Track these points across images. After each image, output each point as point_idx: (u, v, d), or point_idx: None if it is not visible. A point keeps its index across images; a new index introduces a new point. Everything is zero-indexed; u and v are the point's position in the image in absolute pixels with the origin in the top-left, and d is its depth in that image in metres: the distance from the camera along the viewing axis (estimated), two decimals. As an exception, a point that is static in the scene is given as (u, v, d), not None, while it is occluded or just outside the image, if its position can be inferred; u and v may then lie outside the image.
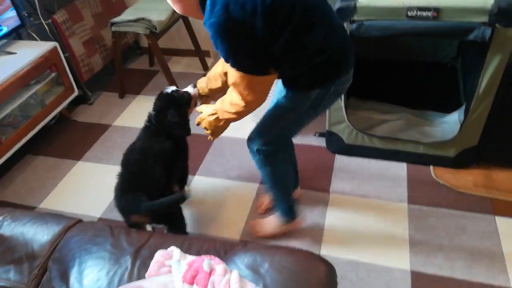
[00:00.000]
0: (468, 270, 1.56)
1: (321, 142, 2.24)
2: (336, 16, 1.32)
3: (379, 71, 2.66)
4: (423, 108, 2.25)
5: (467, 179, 1.92)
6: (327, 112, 2.04)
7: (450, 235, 1.70)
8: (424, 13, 1.59)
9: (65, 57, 2.49)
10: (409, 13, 1.60)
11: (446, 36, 1.70)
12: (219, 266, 1.02)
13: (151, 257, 1.14)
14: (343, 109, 1.97)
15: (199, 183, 2.09)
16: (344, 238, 1.74)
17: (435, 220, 1.76)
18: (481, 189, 1.86)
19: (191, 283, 0.99)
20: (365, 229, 1.76)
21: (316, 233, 1.77)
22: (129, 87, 2.88)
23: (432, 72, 2.62)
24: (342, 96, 1.93)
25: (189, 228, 1.85)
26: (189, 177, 2.13)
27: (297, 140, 2.26)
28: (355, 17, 1.66)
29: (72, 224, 1.35)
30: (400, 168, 2.02)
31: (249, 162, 2.17)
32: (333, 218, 1.83)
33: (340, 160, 2.12)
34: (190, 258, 1.09)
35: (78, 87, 2.63)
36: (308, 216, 1.85)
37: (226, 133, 2.38)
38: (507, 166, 1.95)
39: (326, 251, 1.69)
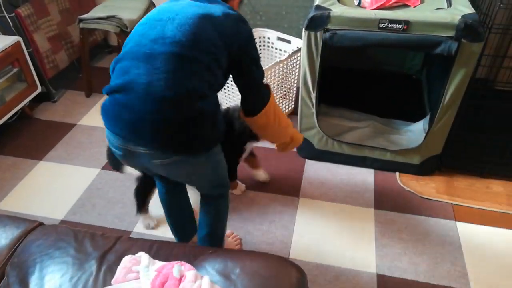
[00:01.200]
0: (431, 273, 1.61)
1: (292, 147, 2.25)
2: None
3: (349, 80, 2.73)
4: (390, 117, 2.32)
5: (430, 186, 1.99)
6: (298, 118, 2.06)
7: (414, 239, 1.75)
8: (395, 26, 1.64)
9: (29, 53, 2.39)
10: (381, 25, 1.65)
11: (415, 49, 1.76)
12: (189, 272, 0.99)
13: (117, 262, 1.11)
14: (314, 115, 1.99)
15: (168, 186, 2.05)
16: (313, 242, 1.75)
17: (400, 225, 1.82)
18: (444, 196, 1.94)
19: (160, 290, 0.96)
20: (334, 234, 1.79)
21: (285, 237, 1.77)
22: (96, 85, 2.79)
23: (398, 82, 2.71)
24: (313, 104, 1.96)
25: (157, 232, 1.81)
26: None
27: (268, 144, 2.28)
28: (329, 26, 1.69)
29: (33, 228, 1.28)
30: (368, 174, 2.07)
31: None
32: (302, 222, 1.84)
33: (310, 165, 2.14)
34: (159, 264, 1.06)
35: (41, 84, 2.53)
36: (277, 220, 1.85)
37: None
38: (468, 174, 2.04)
39: (295, 255, 1.70)
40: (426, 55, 2.60)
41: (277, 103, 2.34)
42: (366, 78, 2.74)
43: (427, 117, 2.10)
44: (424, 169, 2.04)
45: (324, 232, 1.80)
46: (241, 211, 1.90)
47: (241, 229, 1.82)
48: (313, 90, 1.92)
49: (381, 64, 2.77)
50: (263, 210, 1.90)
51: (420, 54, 2.64)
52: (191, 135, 1.14)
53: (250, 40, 1.24)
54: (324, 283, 1.59)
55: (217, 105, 1.26)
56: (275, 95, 2.32)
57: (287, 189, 2.01)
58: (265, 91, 1.34)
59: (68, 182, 2.08)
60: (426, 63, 2.62)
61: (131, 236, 1.76)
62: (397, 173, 2.07)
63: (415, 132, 2.17)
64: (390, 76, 2.74)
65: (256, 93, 1.32)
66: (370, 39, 1.67)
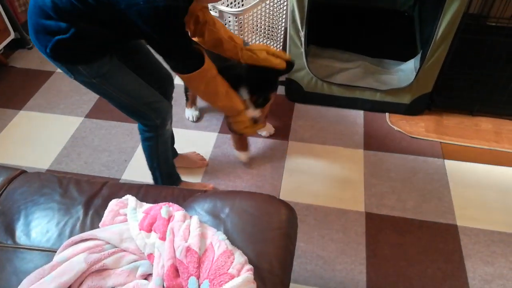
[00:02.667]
0: (419, 210, 1.65)
1: (280, 90, 2.19)
2: None
3: (339, 18, 2.62)
4: (381, 57, 2.26)
5: (420, 125, 1.98)
6: (287, 58, 1.99)
7: (403, 178, 1.77)
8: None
9: (-3, -5, 2.22)
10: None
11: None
12: (177, 212, 0.98)
13: (104, 206, 1.08)
14: (303, 55, 1.92)
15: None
16: (302, 184, 1.76)
17: (389, 165, 1.82)
18: (433, 135, 1.93)
19: (149, 231, 0.95)
20: (323, 175, 1.79)
21: (275, 180, 1.77)
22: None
23: (390, 20, 2.61)
24: (302, 43, 1.88)
25: (147, 179, 1.79)
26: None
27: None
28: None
29: (15, 175, 1.24)
30: (357, 116, 2.05)
31: (205, 111, 2.11)
32: (292, 165, 1.84)
33: (299, 108, 2.10)
34: (146, 206, 1.04)
35: (14, 30, 2.38)
36: (267, 163, 1.84)
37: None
38: (457, 112, 2.03)
39: (285, 197, 1.71)
40: (419, -10, 2.49)
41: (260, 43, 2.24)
42: (356, 16, 2.63)
43: (419, 56, 2.04)
44: (414, 108, 2.02)
45: (313, 173, 1.80)
46: (230, 155, 1.88)
47: (230, 173, 1.81)
48: (302, 28, 1.83)
49: (372, 1, 2.65)
50: (252, 154, 1.89)
51: (413, -11, 2.53)
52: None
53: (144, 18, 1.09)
54: (314, 223, 1.61)
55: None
56: (261, 35, 2.22)
57: (276, 132, 1.98)
58: (189, 61, 1.25)
59: (51, 131, 2.01)
60: (419, -1, 2.52)
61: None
62: (387, 114, 2.05)
63: (406, 71, 2.12)
64: (382, 13, 2.64)
65: (168, 60, 1.27)
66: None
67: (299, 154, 1.88)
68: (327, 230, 1.59)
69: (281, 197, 1.71)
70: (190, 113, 2.05)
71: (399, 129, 1.97)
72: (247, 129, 1.51)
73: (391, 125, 1.99)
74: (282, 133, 1.98)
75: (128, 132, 2.00)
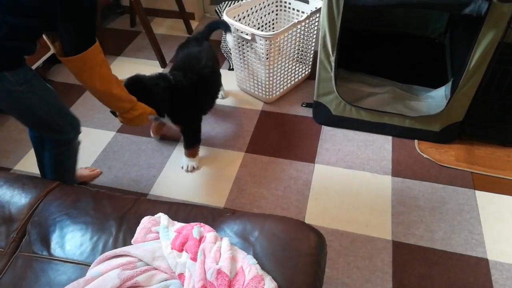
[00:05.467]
0: (448, 241, 1.61)
1: (308, 112, 2.21)
2: None
3: (369, 43, 2.63)
4: (411, 82, 2.25)
5: (450, 154, 1.95)
6: (316, 82, 2.01)
7: (431, 207, 1.73)
8: (423, -17, 1.55)
9: (40, 12, 2.33)
10: (407, -18, 1.56)
11: (443, 9, 1.67)
12: (209, 233, 0.99)
13: (137, 223, 1.11)
14: (333, 79, 1.94)
15: (182, 150, 2.04)
16: (328, 208, 1.75)
17: (417, 193, 1.79)
18: (463, 164, 1.90)
19: (180, 251, 0.97)
20: (349, 200, 1.78)
21: (300, 202, 1.77)
22: (108, 47, 2.75)
23: (420, 46, 2.60)
24: (332, 67, 1.89)
25: (173, 195, 1.82)
26: (172, 143, 2.08)
27: (283, 109, 2.24)
28: (352, -17, 1.60)
29: (52, 188, 1.29)
30: (385, 142, 2.03)
31: (234, 130, 2.14)
32: (318, 188, 1.83)
33: (327, 131, 2.10)
34: (178, 225, 1.06)
35: (54, 45, 2.48)
36: (292, 185, 1.84)
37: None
38: (489, 142, 1.99)
39: (310, 220, 1.70)
40: (451, 17, 2.48)
41: (292, 67, 2.27)
42: (386, 41, 2.63)
43: (449, 83, 2.03)
44: (444, 136, 1.99)
45: (340, 198, 1.78)
46: (256, 176, 1.89)
47: (256, 193, 1.82)
48: (333, 53, 1.85)
49: (402, 27, 2.65)
50: (278, 175, 1.89)
51: (445, 15, 2.52)
52: None
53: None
54: (339, 249, 1.60)
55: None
56: (291, 58, 2.25)
57: (303, 155, 1.98)
58: (91, 36, 1.26)
59: (84, 144, 2.06)
60: (451, 26, 2.50)
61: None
62: (416, 141, 2.02)
63: (436, 99, 2.10)
64: (412, 40, 2.63)
65: (73, 36, 1.23)
66: (396, -2, 1.58)
67: (325, 177, 1.88)
68: (352, 257, 1.57)
69: (306, 221, 1.70)
70: (152, 135, 2.09)
71: (428, 157, 1.94)
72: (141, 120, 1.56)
73: (420, 153, 1.96)
74: (308, 155, 1.98)
75: (157, 148, 2.05)
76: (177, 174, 1.92)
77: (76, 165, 1.65)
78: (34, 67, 2.33)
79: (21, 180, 1.32)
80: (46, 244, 1.12)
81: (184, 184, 1.88)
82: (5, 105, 1.34)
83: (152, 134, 2.08)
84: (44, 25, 1.25)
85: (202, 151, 2.02)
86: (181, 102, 1.71)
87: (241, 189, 1.84)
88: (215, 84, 2.02)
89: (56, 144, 1.52)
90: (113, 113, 1.58)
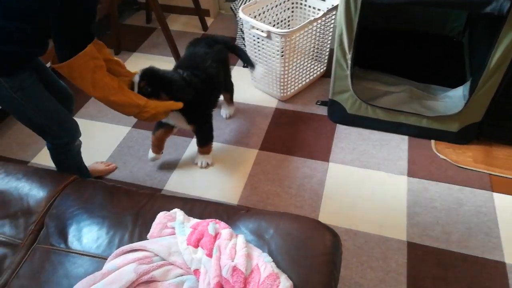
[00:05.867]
0: (464, 243, 1.58)
1: (323, 110, 2.20)
2: None
3: (385, 41, 2.60)
4: (428, 82, 2.22)
5: (467, 155, 1.92)
6: (331, 80, 1.99)
7: (448, 209, 1.70)
8: (443, -19, 1.52)
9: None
10: (428, -21, 1.53)
11: (463, 7, 1.64)
12: (224, 230, 0.99)
13: (152, 218, 1.12)
14: (349, 78, 1.92)
15: (196, 146, 2.04)
16: (342, 207, 1.73)
17: (433, 194, 1.77)
18: (481, 165, 1.86)
19: (196, 246, 0.97)
20: (364, 200, 1.76)
21: (314, 201, 1.76)
22: (124, 43, 2.77)
23: (437, 45, 2.56)
24: (348, 65, 1.88)
25: (187, 191, 1.83)
26: (186, 140, 2.09)
27: (298, 107, 2.23)
28: (371, -20, 1.58)
29: (69, 182, 1.30)
30: (401, 141, 2.01)
31: (248, 127, 2.13)
32: (332, 187, 1.82)
33: (341, 130, 2.09)
34: (194, 221, 1.06)
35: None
36: (306, 184, 1.83)
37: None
38: (508, 143, 1.95)
39: (324, 219, 1.69)
40: (470, 15, 2.44)
41: (307, 65, 2.26)
42: (403, 40, 2.60)
43: (468, 83, 1.99)
44: (462, 137, 1.95)
45: (354, 198, 1.77)
46: (269, 173, 1.89)
47: (269, 191, 1.81)
48: (349, 51, 1.83)
49: (420, 25, 2.61)
50: (292, 173, 1.89)
51: (464, 14, 2.48)
52: None
53: None
54: (353, 248, 1.58)
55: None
56: (307, 56, 2.24)
57: (317, 153, 1.97)
58: (65, 46, 1.22)
59: (100, 139, 2.10)
60: (470, 24, 2.46)
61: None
62: (433, 141, 2.00)
63: (453, 99, 2.07)
64: (430, 38, 2.59)
65: (65, 40, 1.22)
66: (416, -4, 1.56)
67: (340, 176, 1.86)
68: (366, 257, 1.56)
69: (320, 220, 1.69)
70: (151, 155, 1.91)
71: (445, 158, 1.91)
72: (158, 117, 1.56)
73: (437, 153, 1.94)
74: (322, 154, 1.97)
75: (172, 144, 2.06)
76: (191, 170, 1.93)
77: (79, 163, 1.66)
78: (49, 64, 2.36)
79: (39, 173, 1.34)
80: (64, 237, 1.13)
81: (198, 180, 1.89)
82: (3, 106, 1.37)
83: (151, 155, 1.89)
84: (41, 29, 1.22)
85: (216, 148, 2.03)
86: (194, 99, 1.68)
87: (255, 187, 1.84)
88: (220, 86, 1.97)
89: (53, 145, 1.54)
90: None
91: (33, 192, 1.26)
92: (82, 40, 1.23)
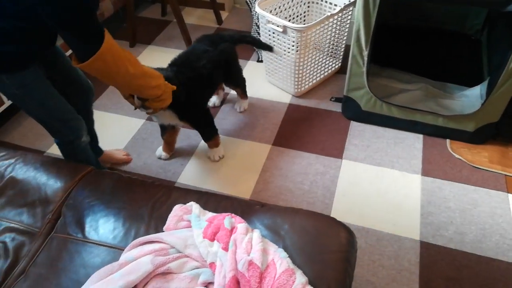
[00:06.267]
0: (478, 244, 1.57)
1: (337, 107, 2.18)
2: None
3: (401, 38, 2.57)
4: (444, 80, 2.19)
5: (483, 155, 1.89)
6: (347, 77, 1.98)
7: (462, 209, 1.69)
8: (465, -23, 1.49)
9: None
10: (449, -24, 1.50)
11: (484, 5, 1.61)
12: (240, 224, 1.00)
13: (168, 210, 1.13)
14: (364, 74, 1.90)
15: (210, 140, 2.06)
16: (354, 205, 1.73)
17: (448, 193, 1.75)
18: (497, 166, 1.84)
19: (212, 240, 0.98)
20: (377, 198, 1.75)
21: (326, 198, 1.76)
22: (140, 36, 2.78)
23: (455, 42, 2.52)
24: (364, 62, 1.86)
25: (200, 184, 1.84)
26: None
27: (312, 103, 2.23)
28: (390, -24, 1.56)
29: (86, 172, 1.32)
30: (416, 140, 1.99)
31: (261, 122, 2.13)
32: (345, 184, 1.81)
33: (355, 127, 2.07)
34: (209, 214, 1.07)
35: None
36: (319, 180, 1.83)
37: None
38: (526, 145, 1.92)
39: (336, 216, 1.66)
40: (490, 14, 2.39)
41: (322, 61, 2.25)
42: (420, 37, 2.57)
43: (486, 82, 1.96)
44: (478, 137, 1.93)
45: (367, 195, 1.76)
46: (282, 169, 1.89)
47: (282, 187, 1.81)
48: (366, 47, 1.81)
49: (438, 23, 2.58)
50: (304, 169, 1.88)
51: (483, 12, 2.43)
52: None
53: None
54: (365, 246, 1.58)
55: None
56: (322, 51, 2.22)
57: (330, 150, 1.97)
58: (91, 38, 1.12)
59: (114, 131, 2.12)
60: (489, 23, 2.42)
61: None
62: (448, 140, 1.97)
63: (470, 98, 2.04)
64: (447, 36, 2.55)
65: (78, 40, 1.12)
66: (436, -8, 1.54)
67: (353, 174, 1.86)
68: (378, 256, 1.55)
69: (333, 216, 1.69)
70: (160, 153, 1.96)
71: (460, 157, 1.89)
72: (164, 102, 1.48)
73: (452, 152, 1.92)
74: (336, 150, 1.96)
75: (185, 137, 2.07)
76: (204, 164, 1.94)
77: (88, 158, 1.63)
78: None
79: (56, 164, 1.36)
80: (81, 226, 1.15)
81: (211, 173, 1.90)
82: (8, 99, 1.38)
83: (159, 152, 1.95)
84: (42, 26, 1.16)
85: (229, 142, 2.03)
86: (179, 96, 1.57)
87: (267, 182, 1.84)
88: (212, 86, 1.91)
89: (59, 143, 1.55)
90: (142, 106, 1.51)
91: (50, 182, 1.28)
92: (96, 35, 1.13)
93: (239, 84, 2.14)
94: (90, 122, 1.73)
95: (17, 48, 1.19)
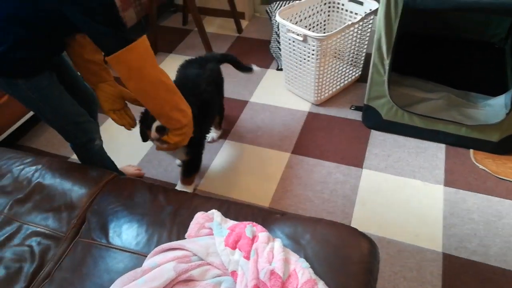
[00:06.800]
0: (503, 257, 1.53)
1: (357, 115, 2.17)
2: None
3: (423, 47, 2.54)
4: (467, 89, 2.16)
5: (508, 166, 1.85)
6: (367, 86, 1.97)
7: (486, 221, 1.65)
8: (490, -14, 1.47)
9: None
10: (474, -15, 1.49)
11: (509, 14, 1.58)
12: (262, 233, 1.00)
13: (189, 217, 1.14)
14: (386, 83, 1.89)
15: (229, 147, 2.07)
16: (375, 215, 1.71)
17: (471, 205, 1.71)
18: (523, 178, 1.79)
19: (233, 248, 0.98)
20: (398, 208, 1.73)
21: (347, 207, 1.74)
22: (161, 44, 2.83)
23: (478, 51, 2.48)
24: (386, 71, 1.85)
25: (219, 191, 1.85)
26: (219, 141, 2.11)
27: (331, 111, 2.22)
28: (413, -15, 1.56)
29: (110, 179, 1.35)
30: (438, 149, 1.96)
31: (280, 130, 2.14)
32: (365, 194, 1.79)
33: (376, 136, 2.06)
34: (231, 222, 1.08)
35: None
36: (339, 189, 1.82)
37: (258, 100, 2.35)
38: (553, 156, 1.87)
39: (357, 226, 1.65)
40: (515, 22, 2.35)
41: (342, 69, 2.24)
42: (442, 45, 2.53)
43: (510, 91, 1.92)
44: (503, 147, 1.89)
45: (388, 206, 1.74)
46: (301, 177, 1.89)
47: (301, 195, 1.81)
48: (387, 56, 1.80)
49: (460, 31, 2.54)
50: (324, 178, 1.87)
51: (507, 20, 2.39)
52: None
53: None
54: (386, 257, 1.56)
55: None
56: (342, 60, 2.22)
57: (350, 159, 1.95)
58: (115, 37, 1.12)
59: (136, 137, 2.14)
60: (513, 31, 2.37)
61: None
62: (471, 150, 1.94)
63: (494, 107, 2.00)
64: (470, 44, 2.52)
65: (108, 37, 1.12)
66: (460, 2, 1.52)
67: (373, 183, 1.84)
68: (399, 267, 1.53)
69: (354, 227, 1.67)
70: (179, 161, 1.91)
71: (484, 168, 1.85)
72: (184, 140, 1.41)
73: (476, 163, 1.88)
74: (356, 160, 1.95)
75: (206, 145, 2.08)
76: (224, 171, 1.96)
77: (104, 161, 1.64)
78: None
79: (81, 170, 1.39)
80: (105, 232, 1.17)
81: (230, 181, 1.91)
82: (26, 106, 1.40)
83: (178, 161, 1.92)
84: (54, 31, 1.21)
85: (248, 150, 2.04)
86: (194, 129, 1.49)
87: (286, 190, 1.84)
88: (215, 108, 1.87)
89: (72, 146, 1.57)
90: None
91: (75, 188, 1.31)
92: (126, 29, 1.15)
93: (220, 112, 2.03)
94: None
95: (30, 54, 1.22)
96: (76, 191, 1.31)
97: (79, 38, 1.37)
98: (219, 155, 2.04)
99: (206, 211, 1.15)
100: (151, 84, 1.23)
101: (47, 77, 1.31)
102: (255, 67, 2.02)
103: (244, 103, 2.32)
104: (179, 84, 1.39)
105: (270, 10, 2.65)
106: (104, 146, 2.11)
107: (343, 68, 2.23)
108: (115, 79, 1.52)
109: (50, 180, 1.34)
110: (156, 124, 1.41)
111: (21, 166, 1.39)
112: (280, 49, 2.34)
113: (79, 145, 1.55)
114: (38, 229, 1.22)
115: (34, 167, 1.38)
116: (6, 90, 1.32)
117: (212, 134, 2.09)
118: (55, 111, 1.39)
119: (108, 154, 2.06)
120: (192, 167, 1.76)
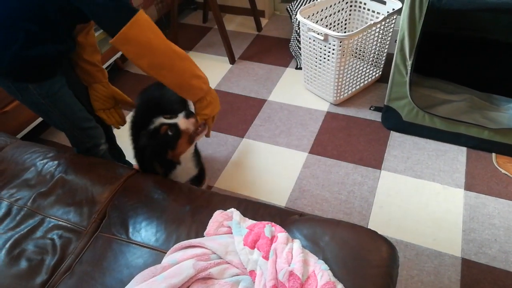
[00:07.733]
0: (525, 266, 1.49)
1: (376, 116, 2.15)
2: None
3: (444, 47, 2.49)
4: (490, 91, 2.11)
5: (532, 171, 1.81)
6: (388, 86, 1.94)
7: (507, 227, 1.62)
8: (519, -14, 1.44)
9: (122, 6, 2.47)
10: (502, -15, 1.45)
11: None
12: (281, 234, 1.00)
13: (208, 215, 1.15)
14: (407, 84, 1.86)
15: (246, 146, 2.07)
16: (393, 217, 1.69)
17: (492, 210, 1.68)
18: (547, 184, 1.75)
19: (252, 248, 0.99)
20: (416, 211, 1.71)
21: (364, 209, 1.73)
22: (181, 42, 2.85)
23: (503, 53, 2.42)
24: (408, 72, 1.82)
25: (236, 189, 1.86)
26: (236, 139, 2.11)
27: (350, 112, 2.20)
28: (439, -15, 1.53)
29: (131, 175, 1.37)
30: (459, 153, 1.92)
31: (298, 130, 2.13)
32: (383, 196, 1.78)
33: (395, 137, 2.03)
34: (249, 222, 1.08)
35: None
36: (356, 191, 1.80)
37: (276, 99, 2.35)
38: None
39: (374, 229, 1.64)
40: (542, 24, 2.28)
41: (363, 69, 2.22)
42: (464, 46, 2.48)
43: (536, 95, 1.87)
44: (527, 152, 1.84)
45: (406, 208, 1.72)
46: (318, 178, 1.88)
47: (318, 196, 1.80)
48: (410, 57, 1.78)
49: (484, 32, 2.48)
50: (342, 179, 1.86)
51: (535, 22, 2.32)
52: None
53: None
54: (403, 261, 1.54)
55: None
56: (363, 60, 2.20)
57: (369, 160, 1.93)
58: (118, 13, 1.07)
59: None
60: (541, 33, 2.30)
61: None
62: (494, 154, 1.90)
63: (519, 111, 1.95)
64: (493, 46, 2.45)
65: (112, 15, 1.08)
66: (487, 2, 1.49)
67: (392, 185, 1.82)
68: (417, 271, 1.51)
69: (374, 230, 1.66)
70: None
71: (506, 173, 1.81)
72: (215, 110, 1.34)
73: (498, 167, 1.84)
74: (374, 161, 1.93)
75: (223, 142, 2.10)
76: (240, 169, 1.96)
77: None
78: (113, 58, 2.48)
79: (102, 166, 1.41)
80: (125, 227, 1.19)
81: (247, 179, 1.91)
82: (31, 110, 1.38)
83: None
84: (64, 21, 1.19)
85: (265, 149, 2.04)
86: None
87: (303, 190, 1.84)
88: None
89: (78, 149, 1.57)
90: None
91: (96, 183, 1.34)
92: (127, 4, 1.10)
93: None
94: (110, 136, 1.75)
95: (43, 51, 1.19)
96: (97, 186, 1.33)
97: (79, 39, 1.39)
98: (236, 153, 2.05)
99: (225, 209, 1.16)
100: (164, 55, 1.15)
101: (59, 80, 1.31)
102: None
103: (262, 102, 2.32)
104: (149, 107, 1.46)
105: (290, 8, 2.63)
106: (123, 140, 2.14)
107: (363, 68, 2.21)
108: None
109: (72, 174, 1.37)
110: (181, 115, 1.33)
111: (44, 160, 1.42)
112: (299, 47, 2.33)
113: (85, 150, 1.55)
114: (60, 222, 1.25)
115: (56, 162, 1.41)
116: (15, 96, 1.30)
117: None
118: (64, 117, 1.40)
119: (127, 151, 2.09)
120: (202, 175, 1.64)
